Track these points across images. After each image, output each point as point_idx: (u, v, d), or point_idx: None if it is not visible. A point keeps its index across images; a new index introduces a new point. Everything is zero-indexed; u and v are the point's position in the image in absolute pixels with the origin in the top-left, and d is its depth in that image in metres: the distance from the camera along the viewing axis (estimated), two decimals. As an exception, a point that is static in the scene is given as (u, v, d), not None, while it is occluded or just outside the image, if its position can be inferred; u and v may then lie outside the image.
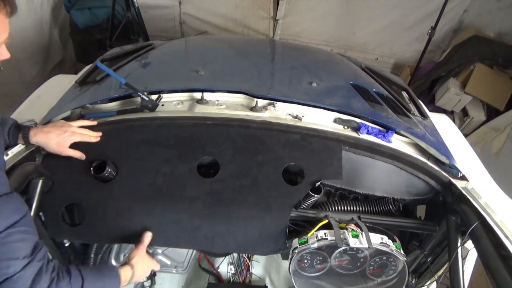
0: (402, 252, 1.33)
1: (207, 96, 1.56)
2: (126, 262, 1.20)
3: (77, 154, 1.29)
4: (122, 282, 1.13)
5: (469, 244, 1.35)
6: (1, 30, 0.92)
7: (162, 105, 1.51)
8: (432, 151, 1.48)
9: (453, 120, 3.80)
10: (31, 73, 3.71)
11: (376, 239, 1.29)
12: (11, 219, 0.82)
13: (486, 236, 1.17)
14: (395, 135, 1.51)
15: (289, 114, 1.52)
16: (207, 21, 4.62)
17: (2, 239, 0.79)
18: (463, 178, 1.45)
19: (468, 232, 1.21)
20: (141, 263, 1.22)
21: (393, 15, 4.36)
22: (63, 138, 1.25)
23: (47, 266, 0.86)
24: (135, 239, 1.28)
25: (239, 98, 1.58)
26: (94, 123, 1.40)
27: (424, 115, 1.80)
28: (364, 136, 1.47)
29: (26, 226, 0.87)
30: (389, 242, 1.30)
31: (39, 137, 1.24)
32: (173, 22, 4.65)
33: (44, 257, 0.88)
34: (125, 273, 1.15)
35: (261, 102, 1.52)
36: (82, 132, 1.31)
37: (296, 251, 1.30)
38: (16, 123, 1.26)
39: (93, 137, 1.34)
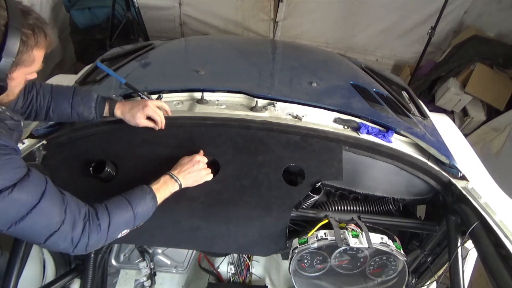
0: (402, 252, 1.33)
1: (207, 96, 1.56)
2: (172, 171, 1.23)
3: (150, 124, 1.36)
4: (160, 199, 1.17)
5: (469, 244, 1.36)
6: (37, 63, 0.99)
7: (162, 105, 1.51)
8: (432, 151, 1.48)
9: (453, 120, 3.79)
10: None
11: (376, 239, 1.28)
12: (38, 192, 0.93)
13: (486, 236, 1.17)
14: (395, 135, 1.51)
15: (289, 114, 1.51)
16: (207, 23, 4.61)
17: (40, 210, 0.91)
18: (463, 178, 1.45)
19: (468, 232, 1.21)
20: (190, 171, 1.25)
21: (393, 17, 4.35)
22: (137, 110, 1.33)
23: (79, 214, 0.99)
24: (135, 239, 1.27)
25: (239, 98, 1.57)
26: (168, 111, 1.43)
27: (424, 115, 1.80)
28: (364, 136, 1.47)
29: (51, 192, 0.96)
30: (389, 242, 1.30)
31: (121, 110, 1.33)
32: (173, 23, 4.64)
33: (75, 208, 0.99)
34: (164, 188, 1.18)
35: (261, 102, 1.52)
36: (155, 110, 1.35)
37: (296, 251, 1.30)
38: (102, 97, 1.34)
39: (161, 121, 1.37)
